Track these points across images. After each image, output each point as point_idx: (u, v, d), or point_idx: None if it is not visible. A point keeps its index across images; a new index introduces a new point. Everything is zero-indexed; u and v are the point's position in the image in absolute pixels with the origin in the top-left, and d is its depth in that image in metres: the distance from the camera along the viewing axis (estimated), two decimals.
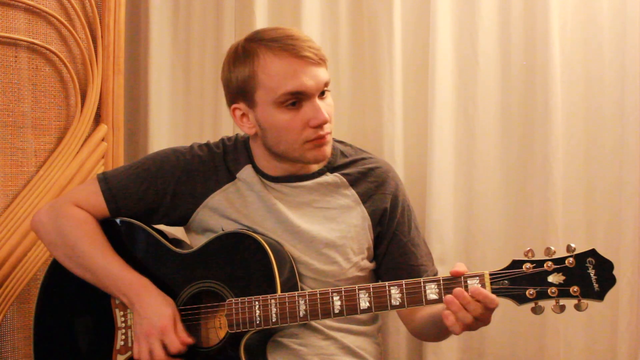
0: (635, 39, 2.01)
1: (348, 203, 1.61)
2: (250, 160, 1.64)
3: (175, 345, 1.47)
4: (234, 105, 1.59)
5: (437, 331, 1.54)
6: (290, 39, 1.51)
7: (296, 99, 1.50)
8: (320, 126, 1.51)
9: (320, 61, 1.52)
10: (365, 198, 1.62)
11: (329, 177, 1.62)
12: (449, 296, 1.34)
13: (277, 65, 1.50)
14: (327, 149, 1.56)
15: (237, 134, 1.71)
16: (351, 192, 1.62)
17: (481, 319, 1.35)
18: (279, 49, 1.50)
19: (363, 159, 1.67)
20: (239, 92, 1.56)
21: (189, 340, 1.49)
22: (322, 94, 1.53)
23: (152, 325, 1.48)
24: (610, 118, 2.05)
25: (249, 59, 1.52)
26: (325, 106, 1.53)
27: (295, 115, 1.51)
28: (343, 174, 1.63)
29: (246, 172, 1.62)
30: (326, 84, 1.54)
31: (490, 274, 1.34)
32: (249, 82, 1.53)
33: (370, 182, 1.64)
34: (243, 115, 1.58)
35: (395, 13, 2.15)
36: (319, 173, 1.62)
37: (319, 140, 1.53)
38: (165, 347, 1.48)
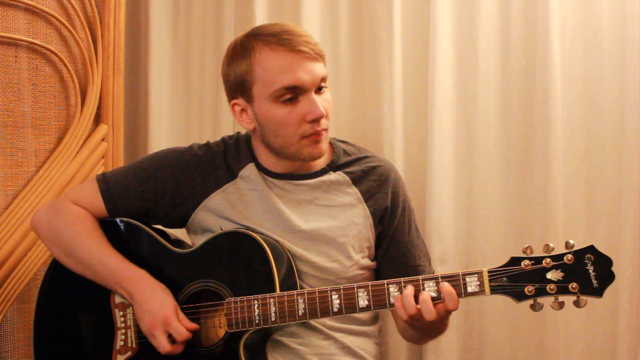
0: (635, 39, 2.00)
1: (350, 201, 1.61)
2: (253, 158, 1.64)
3: (181, 333, 1.47)
4: (234, 101, 1.60)
5: (412, 332, 1.55)
6: (287, 33, 1.52)
7: (293, 94, 1.51)
8: (316, 121, 1.52)
9: (317, 56, 1.52)
10: (367, 197, 1.62)
11: (332, 176, 1.62)
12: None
13: (274, 60, 1.50)
14: (323, 146, 1.56)
15: (238, 132, 1.71)
16: (354, 190, 1.62)
17: (422, 321, 1.37)
18: (275, 44, 1.51)
19: (366, 157, 1.67)
20: (238, 87, 1.57)
21: (194, 325, 1.49)
22: (319, 89, 1.53)
23: (155, 317, 1.48)
24: (610, 117, 2.05)
25: (246, 53, 1.54)
26: (323, 101, 1.53)
27: (292, 110, 1.51)
28: (346, 172, 1.63)
29: (249, 170, 1.62)
30: (323, 79, 1.54)
31: (489, 271, 1.34)
32: (246, 77, 1.54)
33: (372, 181, 1.64)
34: (242, 110, 1.59)
35: (395, 13, 2.15)
36: (322, 171, 1.62)
37: (316, 136, 1.53)
38: (170, 337, 1.48)
